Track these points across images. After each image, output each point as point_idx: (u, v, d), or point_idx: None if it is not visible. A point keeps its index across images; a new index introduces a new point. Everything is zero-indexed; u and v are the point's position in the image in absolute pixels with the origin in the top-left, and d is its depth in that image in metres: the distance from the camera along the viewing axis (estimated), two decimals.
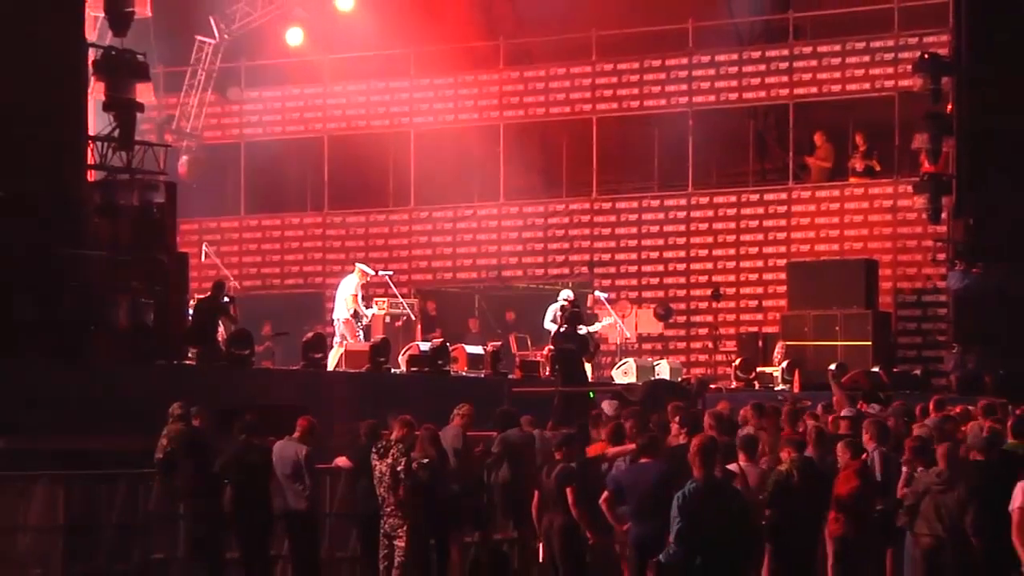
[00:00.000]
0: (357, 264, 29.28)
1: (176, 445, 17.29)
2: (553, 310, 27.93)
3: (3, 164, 21.55)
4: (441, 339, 27.92)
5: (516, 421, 19.18)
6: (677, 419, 16.74)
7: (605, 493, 14.65)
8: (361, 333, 27.89)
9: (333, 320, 28.01)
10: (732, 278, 33.42)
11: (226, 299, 25.47)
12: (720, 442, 14.56)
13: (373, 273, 29.16)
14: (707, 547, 10.25)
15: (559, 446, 15.90)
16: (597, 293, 31.22)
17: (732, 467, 15.21)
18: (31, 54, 21.58)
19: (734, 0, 35.82)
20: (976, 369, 29.08)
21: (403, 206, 36.35)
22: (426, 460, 16.97)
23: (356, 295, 28.02)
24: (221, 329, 24.76)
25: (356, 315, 27.89)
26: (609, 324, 29.80)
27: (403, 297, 30.34)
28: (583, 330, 26.58)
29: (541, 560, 16.08)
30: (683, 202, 34.13)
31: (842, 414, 18.85)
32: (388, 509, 16.55)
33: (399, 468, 16.44)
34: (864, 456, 15.97)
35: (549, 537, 15.58)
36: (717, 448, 11.19)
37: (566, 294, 28.33)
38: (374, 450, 16.92)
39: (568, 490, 15.23)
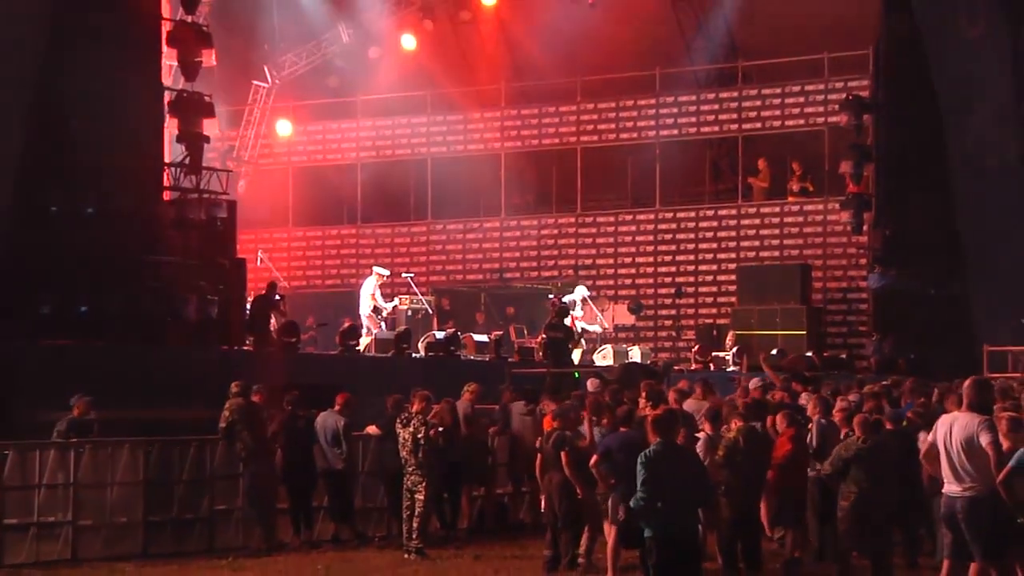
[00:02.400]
0: (374, 268, 29.40)
1: (236, 416, 17.33)
2: (571, 299, 28.40)
3: (95, 186, 21.63)
4: (453, 329, 28.00)
5: (532, 397, 19.23)
6: (644, 394, 16.85)
7: (595, 456, 14.74)
8: (383, 323, 27.95)
9: (360, 316, 28.05)
10: (692, 279, 33.47)
11: (277, 297, 25.55)
12: (680, 413, 14.64)
13: (387, 274, 29.25)
14: (666, 495, 10.33)
15: (556, 417, 15.93)
16: (587, 294, 31.29)
17: (700, 435, 15.33)
18: (119, 96, 21.66)
19: (693, 51, 35.93)
20: (891, 353, 29.09)
21: (422, 220, 36.40)
22: (441, 428, 17.04)
23: (374, 293, 28.12)
24: (273, 321, 24.84)
25: (376, 309, 27.98)
26: (591, 316, 29.88)
27: (422, 295, 30.43)
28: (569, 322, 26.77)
29: (543, 510, 16.11)
30: (651, 217, 34.17)
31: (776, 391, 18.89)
32: (410, 468, 16.57)
33: (419, 435, 16.47)
34: (810, 425, 16.06)
35: (549, 491, 15.64)
36: (674, 419, 11.24)
37: (581, 291, 28.81)
38: (399, 420, 16.96)
39: (563, 453, 15.29)
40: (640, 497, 10.39)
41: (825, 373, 24.64)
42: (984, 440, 10.83)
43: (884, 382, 20.29)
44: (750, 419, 15.83)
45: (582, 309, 29.42)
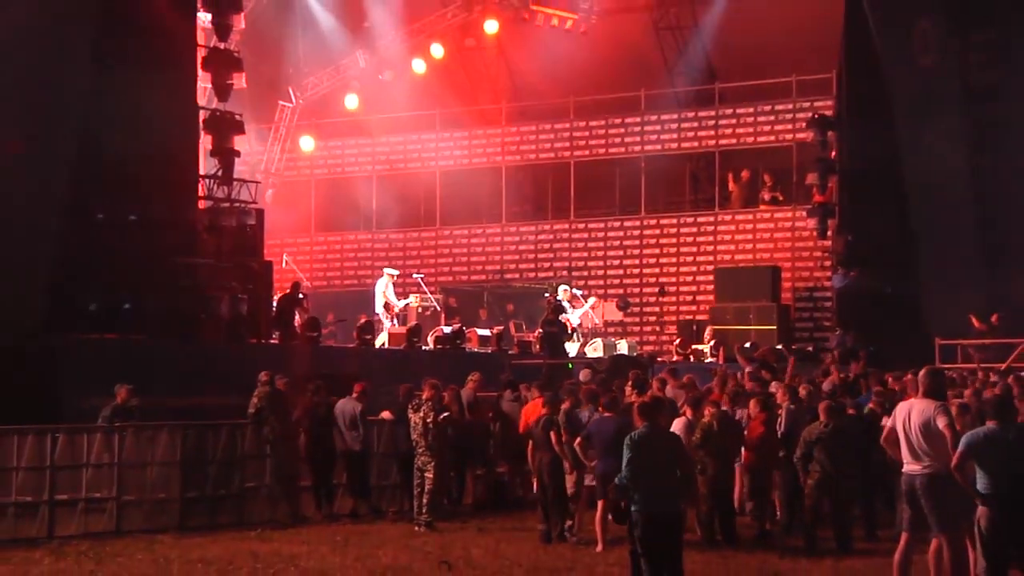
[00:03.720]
0: (385, 269, 29.46)
1: (264, 403, 17.35)
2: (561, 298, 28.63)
3: (137, 196, 21.62)
4: (459, 324, 27.99)
5: (515, 387, 19.27)
6: (630, 383, 16.86)
7: (578, 438, 14.76)
8: (396, 319, 27.94)
9: (376, 313, 28.06)
10: (673, 279, 33.47)
11: (300, 296, 25.55)
12: (664, 400, 14.66)
13: (396, 273, 29.30)
14: (650, 474, 10.35)
15: (545, 404, 15.96)
16: (574, 291, 31.30)
17: (680, 420, 15.33)
18: (158, 115, 21.64)
19: (674, 74, 35.95)
20: (853, 346, 29.02)
21: (431, 226, 36.41)
22: (447, 414, 17.05)
23: (385, 291, 28.18)
24: (297, 317, 24.84)
25: (387, 306, 27.99)
26: (583, 313, 29.89)
27: (431, 293, 30.42)
28: (566, 316, 26.79)
29: (535, 488, 16.12)
30: (637, 223, 34.17)
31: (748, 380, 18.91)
32: (420, 450, 16.58)
33: (428, 420, 16.49)
34: (780, 411, 16.08)
35: (540, 470, 15.65)
36: (658, 405, 11.26)
37: (563, 288, 28.93)
38: (410, 406, 16.96)
39: (551, 434, 15.31)
40: (624, 476, 10.39)
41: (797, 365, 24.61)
42: (940, 423, 10.85)
43: (842, 374, 20.33)
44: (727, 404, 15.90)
45: (571, 304, 29.43)
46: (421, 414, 16.55)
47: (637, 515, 10.42)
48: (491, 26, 36.81)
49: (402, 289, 31.55)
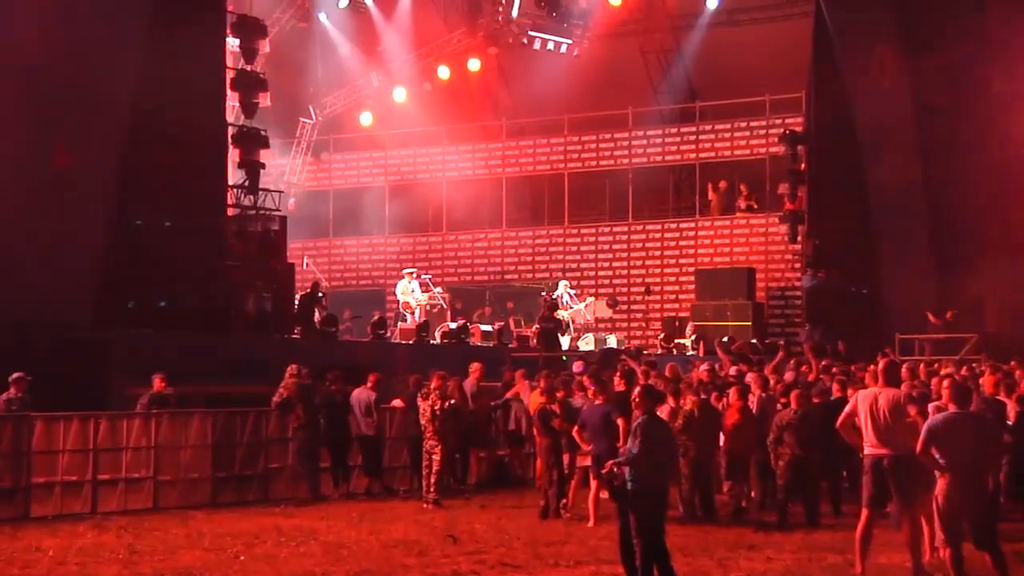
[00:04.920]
0: (404, 271, 29.52)
1: (288, 392, 17.40)
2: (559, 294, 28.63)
3: (172, 204, 21.66)
4: (463, 321, 28.01)
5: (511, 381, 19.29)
6: (618, 373, 16.90)
7: (575, 426, 14.85)
8: (417, 312, 28.02)
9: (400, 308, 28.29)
10: (658, 280, 33.43)
11: (320, 295, 25.55)
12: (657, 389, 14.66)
13: (414, 271, 29.40)
14: (649, 455, 10.38)
15: (543, 393, 16.01)
16: (568, 290, 31.30)
17: (663, 407, 15.36)
18: (192, 131, 21.69)
19: (659, 93, 35.97)
20: (821, 341, 29.02)
21: (438, 232, 36.37)
22: (453, 401, 17.08)
23: (404, 290, 28.29)
24: (316, 314, 24.85)
25: (405, 304, 28.08)
26: (576, 310, 29.90)
27: (438, 292, 30.45)
28: (560, 314, 26.74)
29: (538, 469, 16.17)
30: (625, 229, 34.13)
31: (729, 372, 18.94)
32: (428, 434, 16.63)
33: (436, 407, 16.54)
34: (751, 398, 16.11)
35: (541, 453, 15.74)
36: (653, 393, 11.30)
37: (563, 284, 29.08)
38: (419, 394, 17.01)
39: (551, 421, 15.41)
40: (636, 451, 10.38)
41: (767, 357, 24.63)
42: (912, 411, 10.95)
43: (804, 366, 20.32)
44: (704, 393, 15.91)
45: (570, 300, 29.44)
46: (429, 402, 16.59)
47: (632, 492, 10.45)
48: (492, 50, 36.82)
49: (413, 286, 31.60)
